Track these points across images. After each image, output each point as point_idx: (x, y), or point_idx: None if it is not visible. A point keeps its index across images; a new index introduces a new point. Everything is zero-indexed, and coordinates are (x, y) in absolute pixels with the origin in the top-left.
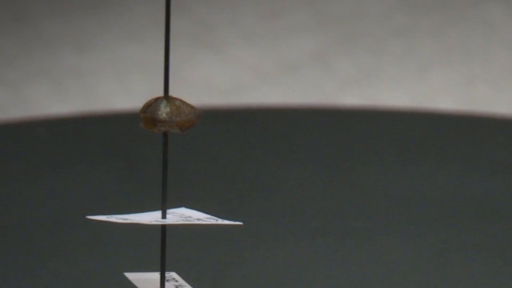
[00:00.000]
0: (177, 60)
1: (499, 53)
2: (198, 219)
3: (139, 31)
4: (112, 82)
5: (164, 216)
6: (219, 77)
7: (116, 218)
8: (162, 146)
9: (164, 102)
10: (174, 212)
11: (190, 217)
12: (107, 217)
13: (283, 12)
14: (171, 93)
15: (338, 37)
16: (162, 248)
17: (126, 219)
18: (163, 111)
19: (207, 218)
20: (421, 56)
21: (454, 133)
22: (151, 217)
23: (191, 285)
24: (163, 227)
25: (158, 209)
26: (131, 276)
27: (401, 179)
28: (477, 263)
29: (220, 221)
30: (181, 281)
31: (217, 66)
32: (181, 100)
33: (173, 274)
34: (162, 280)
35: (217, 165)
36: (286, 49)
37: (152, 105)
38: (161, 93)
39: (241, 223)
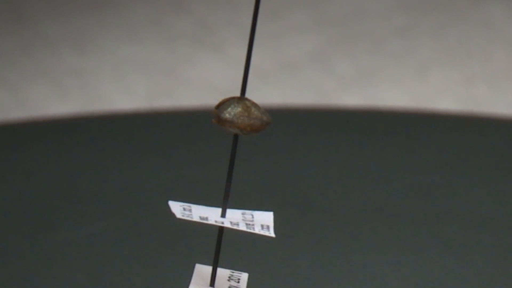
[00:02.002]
0: (177, 60)
1: (499, 53)
2: (249, 225)
3: (139, 31)
4: (112, 82)
5: (223, 215)
6: (219, 77)
7: (178, 207)
8: (232, 146)
9: (235, 102)
10: (249, 214)
11: (247, 221)
12: (180, 205)
13: (283, 12)
14: (170, 92)
15: (338, 37)
16: (217, 246)
17: (189, 208)
18: (229, 110)
19: (261, 227)
20: (421, 56)
21: (454, 133)
22: (211, 213)
23: None
24: (220, 227)
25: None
26: (199, 268)
27: (401, 179)
28: (478, 263)
29: (259, 231)
30: (242, 284)
31: (217, 66)
32: (254, 104)
33: (243, 276)
34: (213, 277)
35: (217, 164)
36: (286, 49)
37: (225, 103)
38: (161, 93)
39: (273, 235)
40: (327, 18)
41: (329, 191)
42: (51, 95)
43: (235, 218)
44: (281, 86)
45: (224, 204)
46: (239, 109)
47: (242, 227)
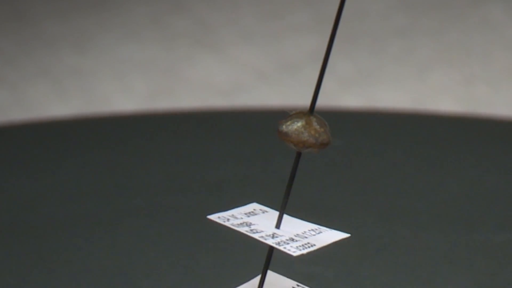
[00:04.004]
0: (177, 60)
1: (499, 53)
2: (291, 239)
3: (139, 31)
4: (112, 82)
5: (277, 226)
6: (219, 77)
7: (249, 209)
8: (294, 161)
9: (299, 116)
10: (313, 231)
11: (297, 237)
12: (255, 207)
13: (283, 12)
14: (170, 92)
15: (338, 37)
16: (268, 256)
17: (253, 212)
18: (288, 124)
19: (298, 245)
20: (421, 56)
21: (454, 133)
22: (266, 221)
23: None
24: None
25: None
26: (269, 275)
27: (401, 180)
28: (476, 264)
29: (284, 248)
30: None
31: (217, 66)
32: (319, 122)
33: None
34: (260, 285)
35: (217, 165)
36: (286, 49)
37: (291, 115)
38: (161, 93)
39: (294, 254)
40: (327, 18)
41: (329, 193)
42: (51, 95)
43: (289, 232)
44: (281, 86)
45: (280, 217)
46: (299, 124)
47: (272, 242)
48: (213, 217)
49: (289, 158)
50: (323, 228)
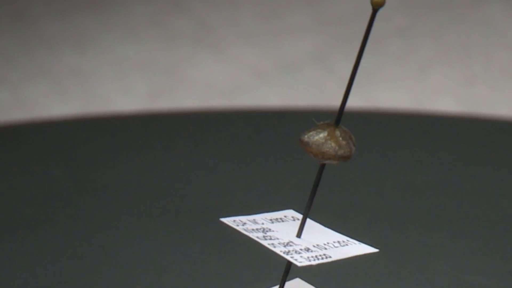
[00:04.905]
0: (177, 60)
1: (499, 53)
2: (297, 252)
3: (139, 31)
4: (112, 82)
5: (298, 235)
6: (219, 77)
7: (280, 215)
8: (318, 171)
9: (323, 127)
10: (338, 243)
11: (313, 248)
12: (290, 215)
13: (283, 12)
14: (170, 92)
15: (338, 37)
16: (288, 265)
17: (281, 219)
18: (311, 134)
19: (310, 255)
20: (421, 56)
21: (454, 133)
22: (289, 229)
23: None
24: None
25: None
26: (293, 283)
27: (401, 180)
28: (471, 261)
29: (291, 257)
30: None
31: (217, 66)
32: (344, 135)
33: None
34: None
35: (214, 165)
36: (286, 49)
37: (317, 125)
38: (161, 93)
39: (300, 264)
40: (327, 18)
41: (330, 193)
42: (51, 95)
43: (309, 241)
44: (281, 86)
45: (301, 226)
46: (321, 135)
47: (281, 250)
48: (227, 220)
49: (293, 160)
50: (352, 241)
